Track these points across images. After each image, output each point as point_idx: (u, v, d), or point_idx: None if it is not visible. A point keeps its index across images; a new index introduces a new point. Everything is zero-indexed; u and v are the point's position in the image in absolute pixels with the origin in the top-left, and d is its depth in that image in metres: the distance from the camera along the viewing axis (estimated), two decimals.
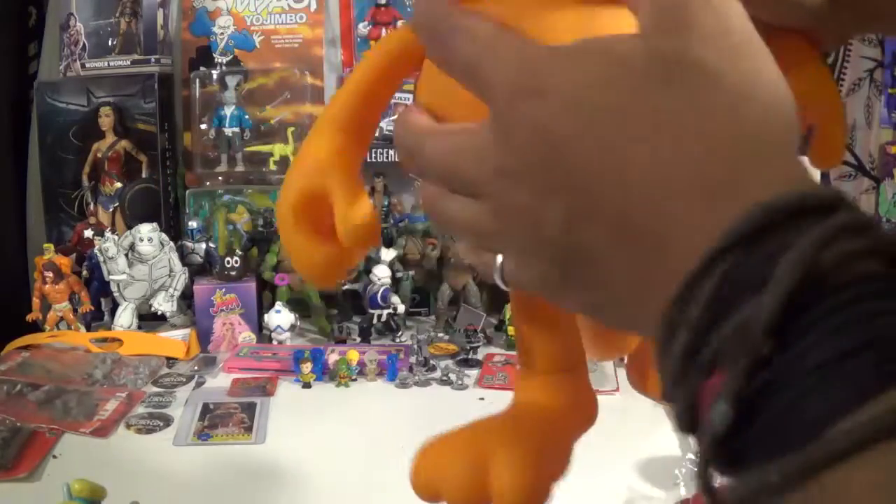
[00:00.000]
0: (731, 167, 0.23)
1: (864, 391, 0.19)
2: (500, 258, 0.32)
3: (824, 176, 1.36)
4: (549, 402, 0.41)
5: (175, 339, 1.17)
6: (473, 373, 1.09)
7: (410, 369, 1.08)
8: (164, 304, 1.22)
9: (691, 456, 0.76)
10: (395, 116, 0.35)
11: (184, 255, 1.24)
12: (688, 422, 0.22)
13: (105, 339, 1.18)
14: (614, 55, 0.26)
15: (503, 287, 0.33)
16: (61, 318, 1.20)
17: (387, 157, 1.29)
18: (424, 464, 0.40)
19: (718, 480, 0.22)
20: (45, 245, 1.23)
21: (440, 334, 1.22)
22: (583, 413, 0.41)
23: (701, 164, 0.23)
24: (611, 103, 0.25)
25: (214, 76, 1.33)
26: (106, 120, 1.31)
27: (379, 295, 1.20)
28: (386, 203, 1.32)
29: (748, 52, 0.25)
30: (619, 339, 0.44)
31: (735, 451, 0.21)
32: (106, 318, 1.24)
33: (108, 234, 1.23)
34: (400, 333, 1.22)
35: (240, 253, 1.20)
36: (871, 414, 0.19)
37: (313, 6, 1.34)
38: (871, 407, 0.19)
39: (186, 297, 1.24)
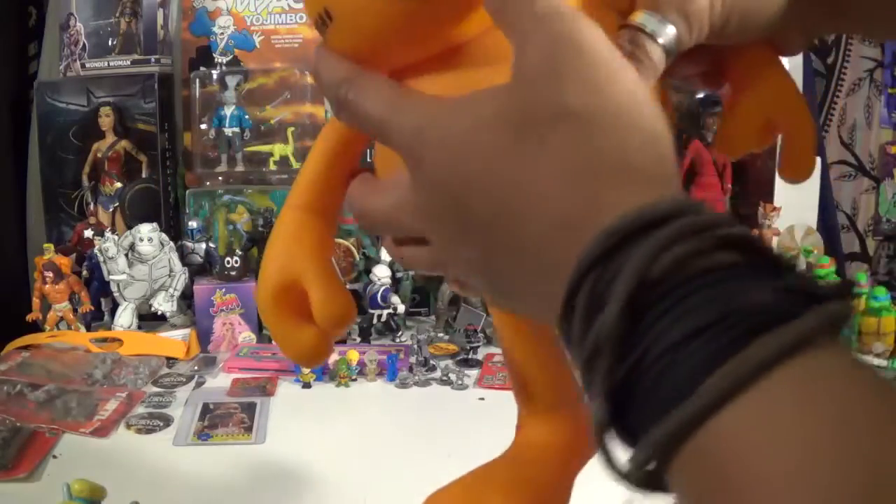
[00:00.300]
0: (592, 199, 0.26)
1: (702, 367, 0.22)
2: None
3: (825, 177, 1.36)
4: (548, 441, 0.42)
5: (175, 339, 1.17)
6: (473, 373, 1.09)
7: (410, 369, 1.08)
8: (164, 304, 1.22)
9: None
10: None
11: (184, 255, 1.24)
12: (588, 403, 0.26)
13: (105, 339, 1.18)
14: (490, 109, 0.28)
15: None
16: (61, 318, 1.20)
17: None
18: None
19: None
20: (45, 245, 1.23)
21: (440, 334, 1.22)
22: (584, 445, 0.42)
23: (568, 199, 0.26)
24: (489, 154, 0.28)
25: (214, 76, 1.33)
26: (106, 120, 1.31)
27: (379, 295, 1.20)
28: None
29: (617, 89, 0.27)
30: None
31: (625, 433, 0.25)
32: (106, 318, 1.24)
33: (108, 234, 1.23)
34: (400, 333, 1.22)
35: (240, 253, 1.21)
36: (717, 377, 0.22)
37: None
38: (707, 384, 0.22)
39: (186, 297, 1.24)
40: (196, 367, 1.11)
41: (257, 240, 1.26)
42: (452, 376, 1.06)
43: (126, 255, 1.21)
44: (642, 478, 0.24)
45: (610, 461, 0.25)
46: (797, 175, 0.42)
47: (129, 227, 1.25)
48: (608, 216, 0.25)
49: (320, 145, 0.42)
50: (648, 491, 0.25)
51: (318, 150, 0.41)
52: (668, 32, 0.34)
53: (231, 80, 1.31)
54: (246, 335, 1.20)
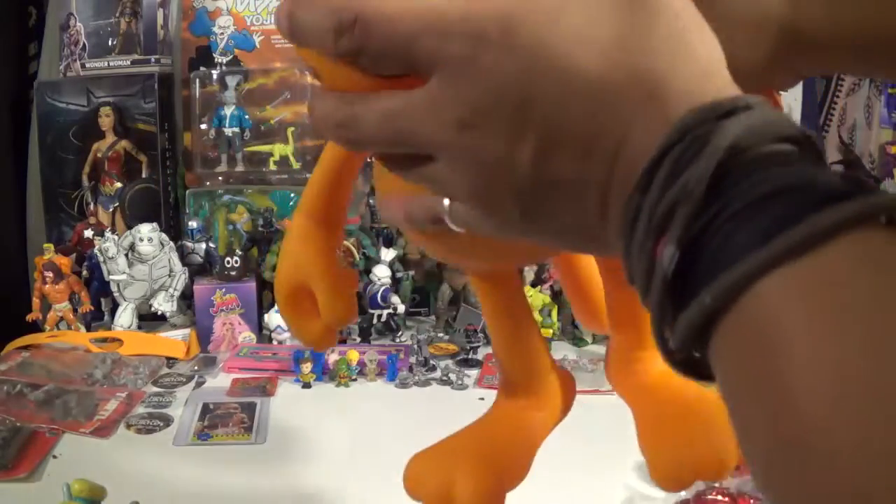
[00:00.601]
0: (683, 82, 0.28)
1: (777, 223, 0.24)
2: (447, 201, 0.32)
3: None
4: (515, 416, 0.48)
5: (175, 339, 1.17)
6: (473, 373, 1.09)
7: (410, 369, 1.08)
8: (164, 304, 1.22)
9: None
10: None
11: (184, 255, 1.24)
12: (645, 277, 0.27)
13: (105, 339, 1.18)
14: None
15: (455, 229, 0.32)
16: (61, 318, 1.20)
17: None
18: (410, 472, 0.47)
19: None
20: (45, 245, 1.23)
21: (440, 334, 1.22)
22: (553, 410, 0.49)
23: (659, 79, 0.28)
24: (574, 34, 0.28)
25: (214, 76, 1.33)
26: (106, 120, 1.31)
27: (379, 295, 1.20)
28: None
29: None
30: (601, 309, 0.52)
31: (683, 292, 0.26)
32: (106, 318, 1.24)
33: (108, 234, 1.23)
34: (400, 333, 1.22)
35: (240, 253, 1.21)
36: (785, 238, 0.23)
37: None
38: (783, 235, 0.23)
39: (186, 297, 1.24)
40: (196, 367, 1.11)
41: (257, 240, 1.26)
42: (452, 376, 1.06)
43: (126, 255, 1.21)
44: (687, 357, 0.26)
45: (661, 326, 0.27)
46: None
47: (129, 227, 1.25)
48: (699, 99, 0.27)
49: (326, 155, 0.47)
50: (689, 374, 0.27)
51: (325, 159, 0.47)
52: None
53: (231, 80, 1.31)
54: (246, 335, 1.20)
